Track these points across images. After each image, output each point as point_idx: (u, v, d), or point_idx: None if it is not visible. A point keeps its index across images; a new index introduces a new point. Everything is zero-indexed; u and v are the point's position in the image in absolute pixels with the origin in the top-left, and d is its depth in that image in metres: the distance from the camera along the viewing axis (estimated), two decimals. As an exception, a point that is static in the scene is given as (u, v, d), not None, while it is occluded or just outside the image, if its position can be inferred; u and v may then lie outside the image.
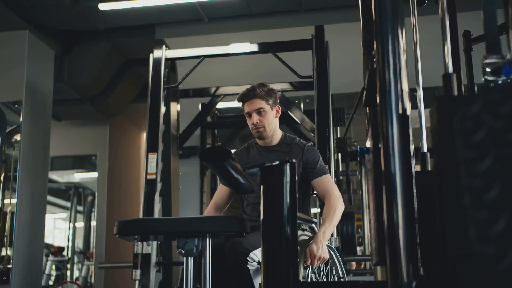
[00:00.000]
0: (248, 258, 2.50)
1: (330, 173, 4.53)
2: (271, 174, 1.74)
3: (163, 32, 7.00)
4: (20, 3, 6.58)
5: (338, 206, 2.78)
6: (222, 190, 3.01)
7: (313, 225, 2.86)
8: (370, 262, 5.85)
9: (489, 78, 1.26)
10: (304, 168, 2.90)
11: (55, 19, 7.04)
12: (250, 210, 2.93)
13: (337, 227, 4.77)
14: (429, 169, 1.89)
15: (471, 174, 1.02)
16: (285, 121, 6.20)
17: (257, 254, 2.53)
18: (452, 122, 1.08)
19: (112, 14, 6.46)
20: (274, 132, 2.98)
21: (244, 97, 2.95)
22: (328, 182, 2.90)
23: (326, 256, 2.58)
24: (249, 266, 2.50)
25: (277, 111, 3.00)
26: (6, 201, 6.00)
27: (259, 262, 2.52)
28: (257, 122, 2.91)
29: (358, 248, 6.57)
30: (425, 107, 2.06)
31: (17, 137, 6.02)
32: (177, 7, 6.40)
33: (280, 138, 3.02)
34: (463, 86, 2.29)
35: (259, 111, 2.91)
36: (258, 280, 2.56)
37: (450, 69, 1.74)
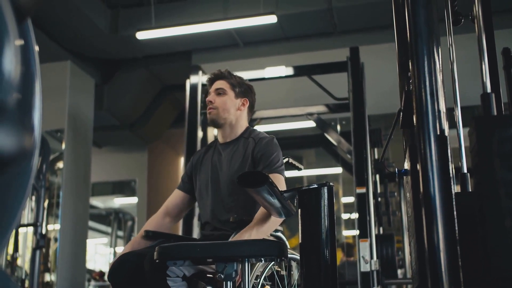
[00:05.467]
0: (168, 272, 2.09)
1: (367, 195, 4.49)
2: (308, 197, 1.74)
3: (199, 58, 7.11)
4: (61, 34, 6.81)
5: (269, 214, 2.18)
6: (176, 195, 2.64)
7: (278, 233, 2.37)
8: (411, 285, 5.72)
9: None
10: (255, 163, 2.41)
11: (95, 49, 7.25)
12: (209, 220, 2.49)
13: (377, 249, 4.71)
14: (470, 190, 1.86)
15: (511, 196, 1.00)
16: (321, 143, 6.18)
17: (181, 268, 2.13)
18: (491, 143, 1.07)
19: (150, 42, 6.62)
20: (234, 125, 2.56)
21: (211, 78, 2.61)
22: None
23: None
24: (170, 282, 2.09)
25: (243, 104, 2.57)
26: (50, 227, 6.14)
27: (184, 277, 2.15)
28: (211, 102, 2.53)
29: (399, 271, 6.45)
30: (463, 126, 2.03)
31: (60, 164, 6.18)
32: (212, 34, 6.51)
33: (241, 132, 2.57)
34: (502, 104, 2.24)
35: (218, 91, 2.54)
36: None
37: (489, 89, 1.72)
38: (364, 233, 4.40)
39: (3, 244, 0.62)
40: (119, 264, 2.26)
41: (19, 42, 0.61)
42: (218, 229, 2.43)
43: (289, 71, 5.19)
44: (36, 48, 0.68)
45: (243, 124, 2.60)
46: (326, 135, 5.44)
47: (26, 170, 0.62)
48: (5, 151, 0.52)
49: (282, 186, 2.35)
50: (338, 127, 6.60)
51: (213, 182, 2.49)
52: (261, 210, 2.25)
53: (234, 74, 2.64)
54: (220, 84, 2.56)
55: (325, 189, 1.73)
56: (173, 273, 2.12)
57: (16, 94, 0.58)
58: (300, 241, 1.74)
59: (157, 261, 1.94)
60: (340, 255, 7.22)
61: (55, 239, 6.03)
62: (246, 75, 5.25)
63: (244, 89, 2.60)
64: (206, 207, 2.53)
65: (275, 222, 2.24)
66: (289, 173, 3.42)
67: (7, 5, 0.59)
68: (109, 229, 11.31)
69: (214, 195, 2.48)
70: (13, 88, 0.57)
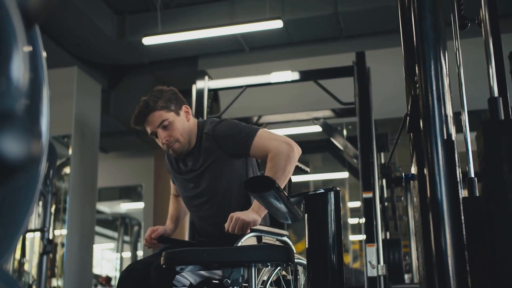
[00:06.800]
0: (174, 282, 2.05)
1: (374, 199, 4.48)
2: (315, 202, 1.74)
3: (205, 63, 7.13)
4: (68, 40, 6.84)
5: (279, 161, 2.13)
6: (174, 187, 2.64)
7: (284, 238, 2.26)
8: (419, 291, 5.69)
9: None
10: (230, 153, 2.30)
11: (101, 55, 7.28)
12: (198, 225, 2.47)
13: (384, 254, 4.69)
14: (477, 194, 1.85)
15: (520, 200, 1.00)
16: (327, 148, 6.18)
17: (188, 277, 2.10)
18: (498, 147, 1.06)
19: (156, 47, 6.64)
20: (190, 135, 2.37)
21: (139, 119, 2.33)
22: (262, 141, 2.23)
23: (250, 220, 2.03)
24: None
25: (186, 111, 2.41)
26: (57, 232, 6.16)
27: (191, 286, 2.13)
28: (167, 140, 2.32)
29: (406, 276, 6.42)
30: (471, 131, 2.02)
31: (67, 169, 6.20)
32: (219, 39, 6.53)
33: (196, 136, 2.40)
34: (510, 109, 2.22)
35: (164, 126, 2.31)
36: None
37: (496, 93, 1.71)
38: (371, 238, 4.39)
39: (11, 250, 0.62)
40: (127, 273, 2.27)
41: (28, 48, 0.61)
42: (215, 236, 2.41)
43: (295, 76, 5.20)
44: (44, 54, 0.68)
45: (194, 128, 2.43)
46: (332, 139, 5.44)
47: (34, 176, 0.62)
48: (13, 158, 0.53)
49: (270, 134, 2.28)
50: (345, 132, 6.59)
51: (191, 194, 2.45)
52: (266, 168, 2.18)
53: (153, 94, 2.36)
54: (158, 117, 2.31)
55: (332, 194, 1.72)
56: (180, 283, 2.12)
57: (24, 100, 0.58)
58: (306, 246, 1.73)
59: (163, 266, 1.94)
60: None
61: (62, 244, 6.04)
62: (252, 80, 5.28)
63: (175, 99, 2.39)
64: (193, 213, 2.52)
65: (286, 166, 2.14)
66: (296, 178, 3.42)
67: (16, 12, 0.59)
68: (115, 234, 11.33)
69: (195, 206, 2.46)
70: (21, 94, 0.57)
